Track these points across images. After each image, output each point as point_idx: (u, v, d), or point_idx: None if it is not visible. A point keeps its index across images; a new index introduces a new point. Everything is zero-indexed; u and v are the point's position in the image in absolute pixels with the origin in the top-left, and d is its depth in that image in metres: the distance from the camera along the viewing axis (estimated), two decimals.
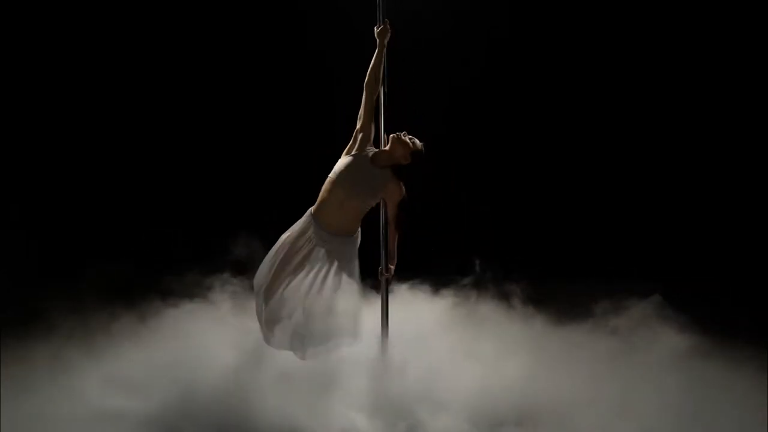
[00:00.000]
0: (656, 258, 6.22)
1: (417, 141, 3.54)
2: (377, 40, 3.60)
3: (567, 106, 6.77)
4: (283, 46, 6.63)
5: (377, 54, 3.58)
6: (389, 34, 3.61)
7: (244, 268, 4.50)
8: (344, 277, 3.47)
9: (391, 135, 3.55)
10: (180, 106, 6.58)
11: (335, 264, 3.47)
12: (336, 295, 3.44)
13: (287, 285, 3.45)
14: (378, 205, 3.66)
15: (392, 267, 3.63)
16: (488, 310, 4.78)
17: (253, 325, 3.63)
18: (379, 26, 3.63)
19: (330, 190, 3.49)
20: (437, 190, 5.63)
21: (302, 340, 3.42)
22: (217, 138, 6.64)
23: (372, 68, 3.58)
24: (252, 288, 3.61)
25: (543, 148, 6.85)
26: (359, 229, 3.62)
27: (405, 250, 3.67)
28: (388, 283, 3.65)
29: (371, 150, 3.58)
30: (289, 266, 3.48)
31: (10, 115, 6.20)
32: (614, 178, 6.78)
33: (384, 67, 3.62)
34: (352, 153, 3.55)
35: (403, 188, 3.55)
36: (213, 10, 6.49)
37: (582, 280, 5.57)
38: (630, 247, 6.44)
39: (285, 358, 3.51)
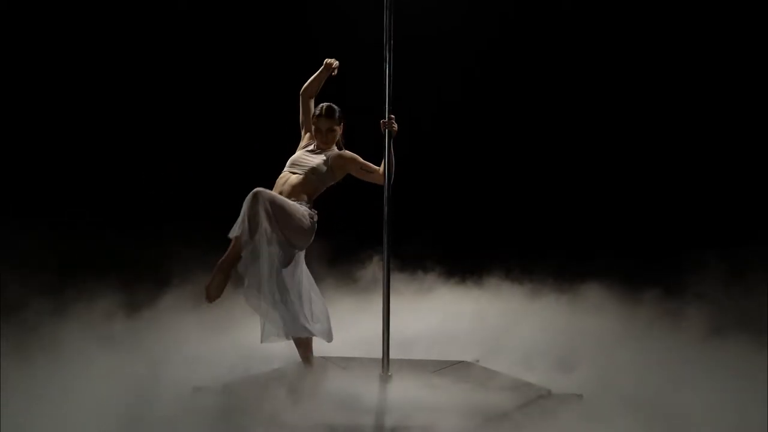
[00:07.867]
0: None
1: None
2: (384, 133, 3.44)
3: (567, 105, 6.75)
4: (283, 47, 6.64)
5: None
6: (395, 129, 3.45)
7: None
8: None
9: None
10: (180, 105, 6.59)
11: None
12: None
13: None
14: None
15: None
16: None
17: None
18: (386, 121, 3.43)
19: None
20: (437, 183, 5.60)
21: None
22: (217, 138, 6.65)
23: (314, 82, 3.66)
24: None
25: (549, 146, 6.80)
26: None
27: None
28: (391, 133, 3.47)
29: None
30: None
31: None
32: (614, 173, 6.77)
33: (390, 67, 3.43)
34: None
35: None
36: (214, 11, 6.50)
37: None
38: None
39: None
